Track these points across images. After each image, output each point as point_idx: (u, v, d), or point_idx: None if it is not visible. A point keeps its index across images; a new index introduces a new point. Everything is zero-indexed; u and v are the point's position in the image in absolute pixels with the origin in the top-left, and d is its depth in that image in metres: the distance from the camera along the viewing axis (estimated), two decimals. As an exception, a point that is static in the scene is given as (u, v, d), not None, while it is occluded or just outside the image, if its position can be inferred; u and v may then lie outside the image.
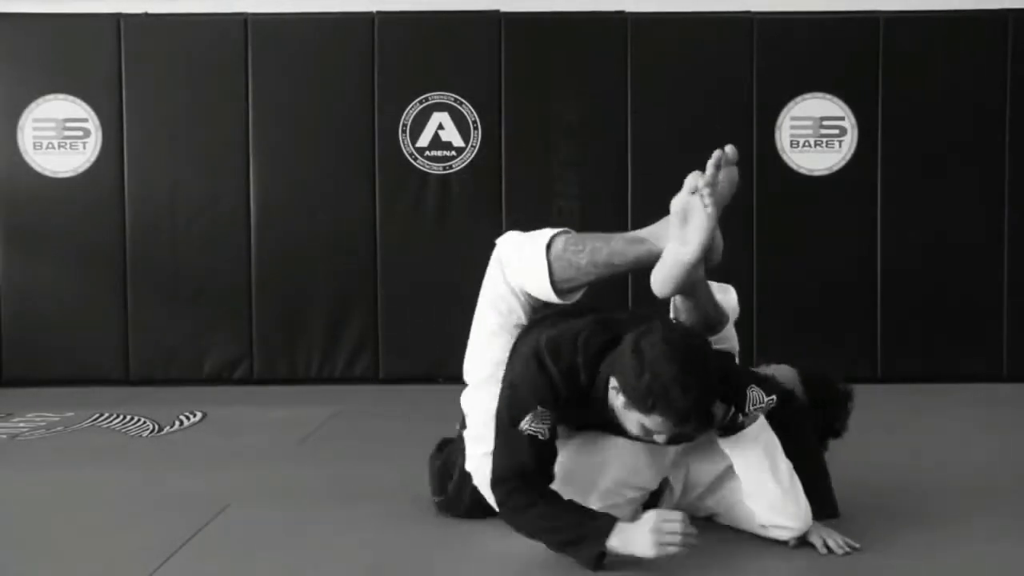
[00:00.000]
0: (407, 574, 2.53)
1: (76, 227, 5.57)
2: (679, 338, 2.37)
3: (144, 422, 4.50)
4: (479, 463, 2.70)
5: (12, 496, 3.29)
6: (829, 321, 5.54)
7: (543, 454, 2.46)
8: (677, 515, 2.36)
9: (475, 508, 2.77)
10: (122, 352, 5.57)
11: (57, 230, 5.58)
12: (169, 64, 5.56)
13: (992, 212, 5.52)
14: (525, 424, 2.44)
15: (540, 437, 2.44)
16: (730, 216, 5.56)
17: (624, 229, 5.52)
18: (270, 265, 5.57)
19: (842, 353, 5.51)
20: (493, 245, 2.87)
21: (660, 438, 2.40)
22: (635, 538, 2.36)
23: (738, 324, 5.26)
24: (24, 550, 2.69)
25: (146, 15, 5.60)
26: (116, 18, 5.56)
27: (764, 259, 5.50)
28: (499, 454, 2.50)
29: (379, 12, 5.57)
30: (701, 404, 2.34)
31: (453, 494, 2.82)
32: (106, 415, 4.66)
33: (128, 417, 4.62)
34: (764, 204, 5.50)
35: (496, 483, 2.49)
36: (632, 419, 2.39)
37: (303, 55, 5.56)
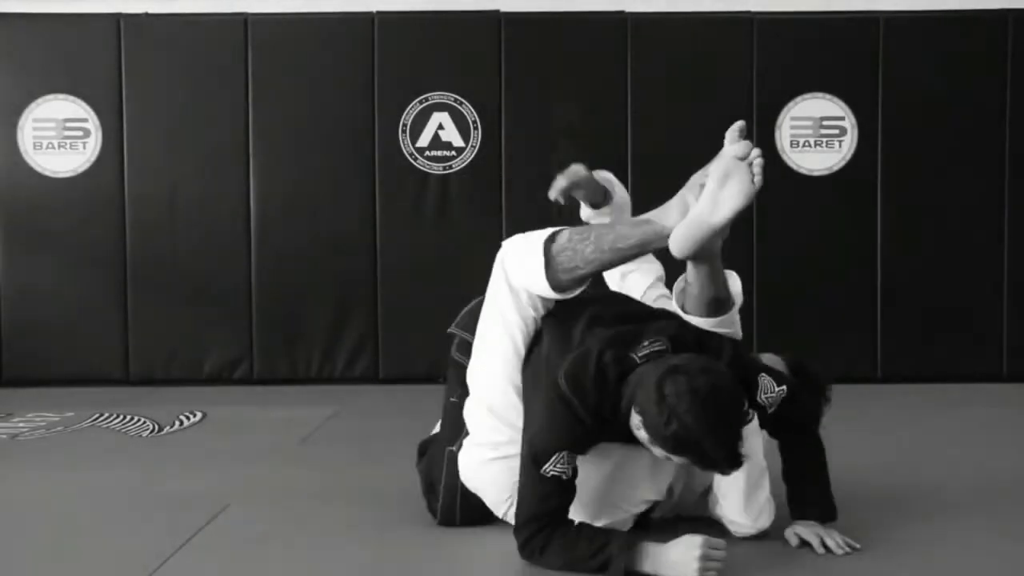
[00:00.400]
0: (407, 574, 2.53)
1: (76, 227, 5.57)
2: (705, 385, 2.26)
3: (144, 422, 4.50)
4: (476, 471, 2.69)
5: (12, 496, 3.29)
6: (829, 321, 5.54)
7: (567, 492, 2.43)
8: (721, 543, 2.35)
9: (469, 517, 2.75)
10: (122, 352, 5.57)
11: (57, 230, 5.58)
12: (169, 64, 5.56)
13: (992, 212, 5.52)
14: (550, 467, 2.40)
15: (564, 477, 2.40)
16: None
17: (624, 229, 5.53)
18: (270, 265, 5.57)
19: (842, 353, 5.51)
20: (493, 244, 2.86)
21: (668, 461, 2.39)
22: (673, 561, 2.33)
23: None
24: (24, 550, 2.69)
25: (146, 15, 5.60)
26: (116, 18, 5.56)
27: (764, 259, 5.50)
28: (524, 497, 2.45)
29: (379, 12, 5.57)
30: (733, 450, 2.28)
31: (446, 513, 2.78)
32: (106, 415, 4.66)
33: (128, 417, 4.62)
34: (764, 204, 5.49)
35: (520, 527, 2.45)
36: (657, 451, 2.35)
37: (303, 55, 5.56)
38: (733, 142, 2.54)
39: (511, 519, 2.56)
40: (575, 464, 2.42)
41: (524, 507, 2.45)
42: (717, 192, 2.47)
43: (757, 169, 2.44)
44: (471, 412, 2.73)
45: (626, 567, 2.34)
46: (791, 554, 2.55)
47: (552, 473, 2.39)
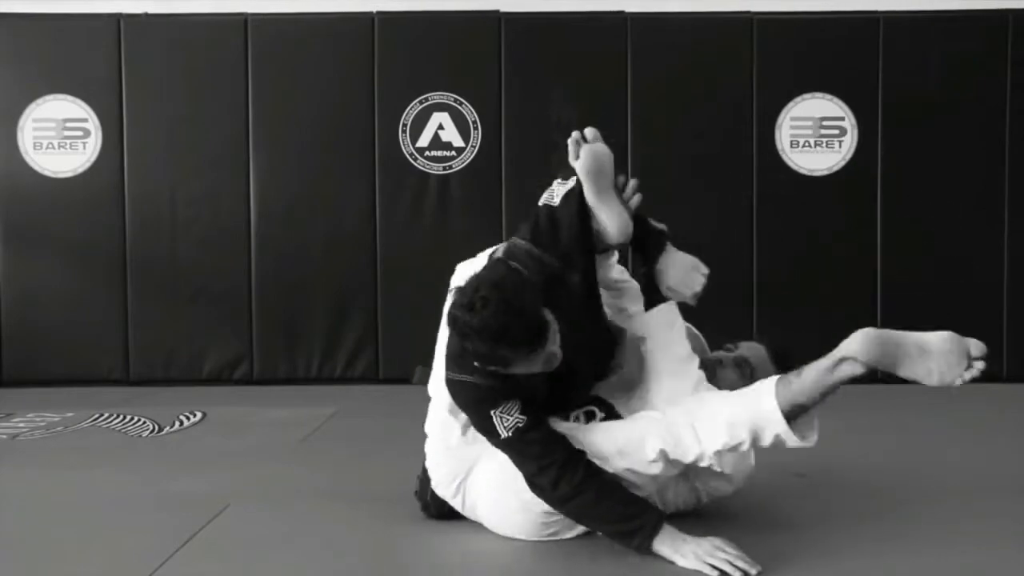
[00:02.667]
0: (407, 574, 2.53)
1: (76, 227, 5.57)
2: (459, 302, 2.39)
3: (144, 422, 4.50)
4: (435, 463, 2.78)
5: (12, 496, 3.29)
6: (829, 320, 5.52)
7: (543, 432, 2.49)
8: (732, 547, 2.42)
9: (439, 511, 2.82)
10: (122, 352, 5.58)
11: (57, 230, 5.59)
12: (169, 64, 5.57)
13: (992, 212, 5.53)
14: (503, 428, 2.47)
15: (523, 424, 2.46)
16: (730, 216, 5.61)
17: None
18: (270, 265, 5.57)
19: (842, 353, 5.51)
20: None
21: (550, 359, 2.43)
22: (685, 551, 2.41)
23: (738, 323, 5.27)
24: (24, 550, 2.69)
25: (146, 15, 5.60)
26: (116, 18, 5.57)
27: (764, 259, 5.50)
28: (517, 465, 2.52)
29: (379, 12, 5.57)
30: (504, 309, 2.32)
31: (423, 504, 2.87)
32: (106, 415, 4.66)
33: (128, 417, 4.62)
34: (764, 204, 5.51)
35: (532, 486, 2.52)
36: (521, 365, 2.40)
37: (303, 55, 5.56)
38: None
39: (459, 506, 2.72)
40: (523, 407, 2.47)
41: (521, 470, 2.50)
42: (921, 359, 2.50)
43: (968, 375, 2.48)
44: (432, 413, 2.81)
45: (649, 546, 2.43)
46: (794, 553, 2.55)
47: (511, 428, 2.46)
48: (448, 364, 2.58)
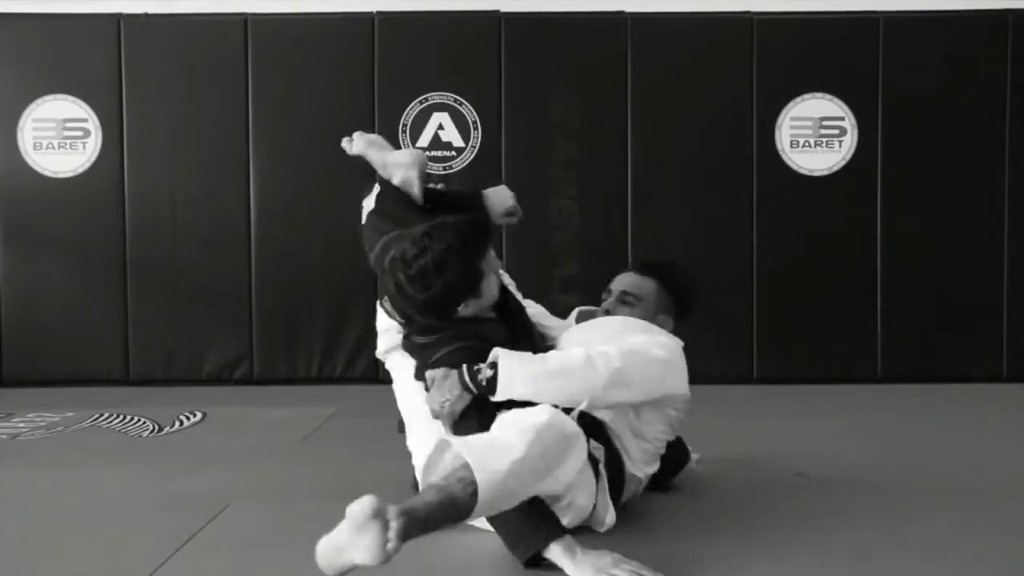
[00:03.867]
0: (407, 573, 2.53)
1: (76, 227, 5.57)
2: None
3: (144, 422, 4.50)
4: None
5: (12, 496, 3.29)
6: (829, 320, 5.54)
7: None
8: (636, 565, 2.32)
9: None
10: (122, 352, 5.58)
11: (57, 230, 5.59)
12: (169, 64, 5.57)
13: (992, 212, 5.53)
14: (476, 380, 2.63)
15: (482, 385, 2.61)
16: (731, 216, 5.60)
17: (624, 229, 5.55)
18: (270, 265, 5.57)
19: (842, 353, 5.52)
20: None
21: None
22: (585, 566, 2.32)
23: (738, 323, 5.26)
24: (24, 550, 2.69)
25: (146, 15, 5.60)
26: (116, 18, 5.57)
27: (764, 259, 5.50)
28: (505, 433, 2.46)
29: (379, 12, 5.58)
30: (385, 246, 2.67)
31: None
32: (106, 415, 4.66)
33: (128, 417, 4.61)
34: (764, 204, 5.51)
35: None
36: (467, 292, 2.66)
37: (303, 55, 5.57)
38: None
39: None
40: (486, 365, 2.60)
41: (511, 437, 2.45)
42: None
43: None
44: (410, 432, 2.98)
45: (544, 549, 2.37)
46: (796, 543, 2.55)
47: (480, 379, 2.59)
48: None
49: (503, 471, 2.24)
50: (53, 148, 5.58)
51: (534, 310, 3.10)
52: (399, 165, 3.01)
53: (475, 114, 5.56)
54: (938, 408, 4.81)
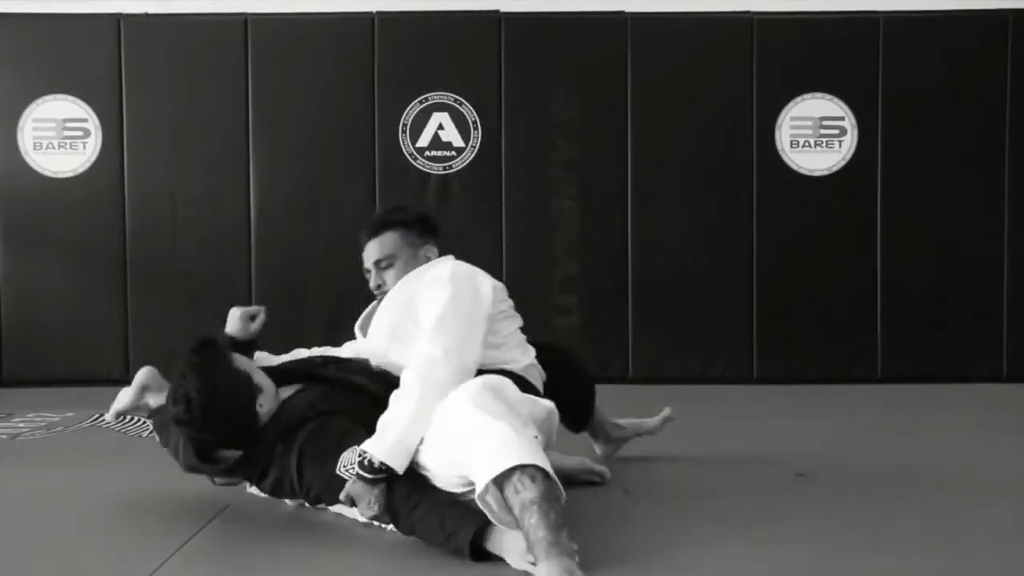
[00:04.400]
0: (407, 573, 2.53)
1: (76, 227, 5.57)
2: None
3: (144, 422, 4.49)
4: None
5: (12, 496, 3.29)
6: (829, 321, 5.54)
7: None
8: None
9: None
10: (122, 352, 5.58)
11: (57, 230, 5.59)
12: (169, 64, 5.57)
13: (992, 212, 5.53)
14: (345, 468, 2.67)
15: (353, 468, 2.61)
16: (731, 216, 5.59)
17: (624, 229, 5.56)
18: (270, 265, 5.57)
19: (842, 353, 5.52)
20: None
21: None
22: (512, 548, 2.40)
23: (738, 323, 5.27)
24: (24, 550, 2.69)
25: (146, 15, 5.60)
26: (116, 18, 5.57)
27: (764, 259, 5.50)
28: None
29: (379, 12, 5.58)
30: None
31: None
32: (106, 415, 4.65)
33: (128, 417, 4.60)
34: (764, 204, 5.51)
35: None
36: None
37: (303, 55, 5.57)
38: None
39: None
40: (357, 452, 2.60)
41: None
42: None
43: None
44: None
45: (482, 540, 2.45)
46: (795, 543, 2.56)
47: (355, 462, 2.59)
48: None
49: (526, 444, 2.40)
50: (53, 148, 5.58)
51: (349, 351, 3.31)
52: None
53: (475, 114, 5.56)
54: (938, 408, 4.81)
